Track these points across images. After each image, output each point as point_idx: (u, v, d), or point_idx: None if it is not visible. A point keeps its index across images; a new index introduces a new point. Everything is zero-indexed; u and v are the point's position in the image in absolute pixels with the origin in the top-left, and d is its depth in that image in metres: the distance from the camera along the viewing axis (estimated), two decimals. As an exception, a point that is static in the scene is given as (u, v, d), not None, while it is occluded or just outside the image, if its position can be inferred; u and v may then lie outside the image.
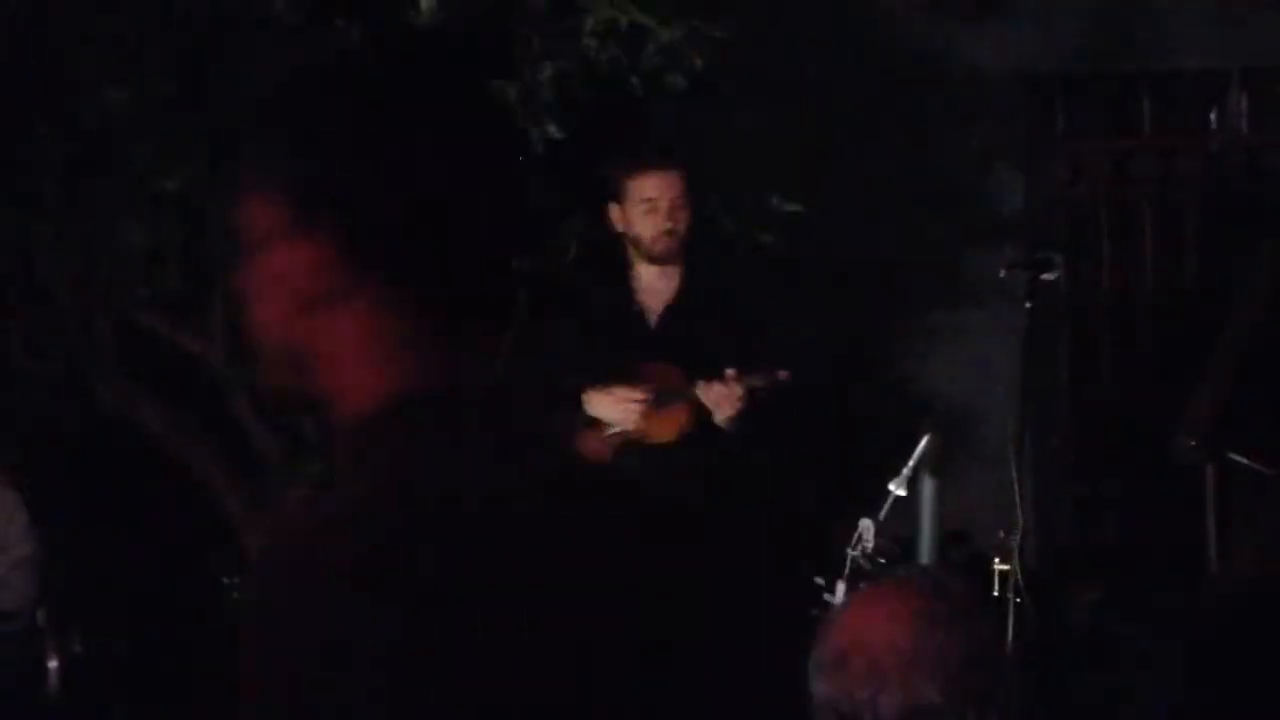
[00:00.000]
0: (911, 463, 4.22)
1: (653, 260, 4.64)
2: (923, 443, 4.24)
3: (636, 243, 4.64)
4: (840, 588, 4.04)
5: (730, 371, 4.44)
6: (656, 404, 4.55)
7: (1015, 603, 4.23)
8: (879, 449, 4.62)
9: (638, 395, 4.54)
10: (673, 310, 4.66)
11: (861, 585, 4.02)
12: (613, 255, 4.72)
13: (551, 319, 4.77)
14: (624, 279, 4.69)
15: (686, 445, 4.55)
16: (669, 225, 4.58)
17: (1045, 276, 4.76)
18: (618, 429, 4.57)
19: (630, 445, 4.58)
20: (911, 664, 2.06)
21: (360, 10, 5.52)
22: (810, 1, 6.72)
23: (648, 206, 4.59)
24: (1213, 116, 6.79)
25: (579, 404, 4.57)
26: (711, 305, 4.65)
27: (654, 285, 4.67)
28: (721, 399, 4.45)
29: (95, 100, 5.28)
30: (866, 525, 4.09)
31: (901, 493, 4.21)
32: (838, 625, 2.16)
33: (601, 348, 4.63)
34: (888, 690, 2.06)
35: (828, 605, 4.11)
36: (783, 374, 4.46)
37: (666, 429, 4.56)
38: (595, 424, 4.59)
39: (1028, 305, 4.69)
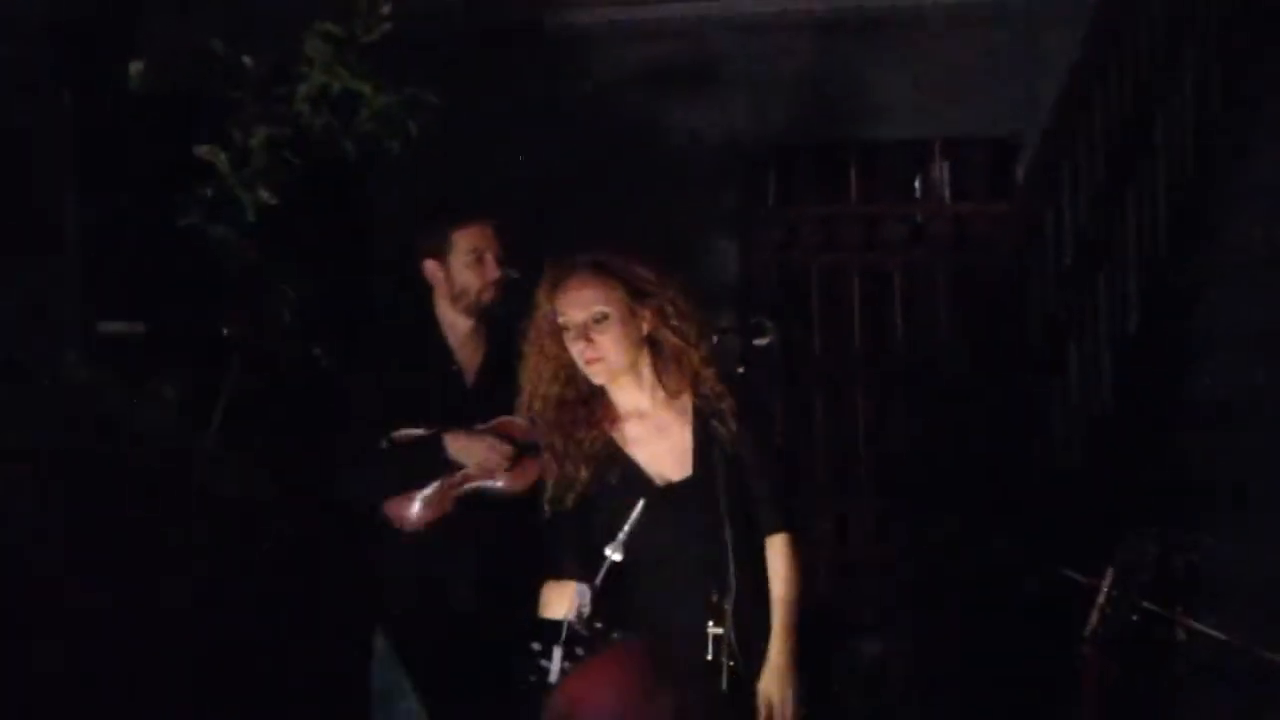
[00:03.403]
0: (627, 527, 4.23)
1: (474, 314, 4.60)
2: (639, 507, 4.26)
3: (460, 296, 4.60)
4: (557, 654, 4.03)
5: None
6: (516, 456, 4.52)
7: (729, 666, 4.28)
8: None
9: (506, 444, 4.50)
10: (486, 367, 4.63)
11: (578, 651, 4.02)
12: (419, 312, 4.64)
13: (366, 378, 4.64)
14: (437, 337, 4.63)
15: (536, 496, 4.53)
16: (497, 275, 4.56)
17: (757, 342, 4.84)
18: (472, 480, 4.53)
19: (475, 496, 4.55)
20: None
21: (71, 74, 5.42)
22: (532, 70, 6.79)
23: (473, 258, 4.56)
24: (917, 184, 7.03)
25: (438, 448, 4.50)
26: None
27: (468, 342, 4.64)
28: None
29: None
30: (583, 590, 4.09)
31: (617, 558, 4.22)
32: (561, 691, 2.22)
33: (423, 409, 4.55)
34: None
35: (544, 672, 4.10)
36: None
37: (520, 480, 4.54)
38: (450, 468, 4.54)
39: (740, 370, 4.76)
